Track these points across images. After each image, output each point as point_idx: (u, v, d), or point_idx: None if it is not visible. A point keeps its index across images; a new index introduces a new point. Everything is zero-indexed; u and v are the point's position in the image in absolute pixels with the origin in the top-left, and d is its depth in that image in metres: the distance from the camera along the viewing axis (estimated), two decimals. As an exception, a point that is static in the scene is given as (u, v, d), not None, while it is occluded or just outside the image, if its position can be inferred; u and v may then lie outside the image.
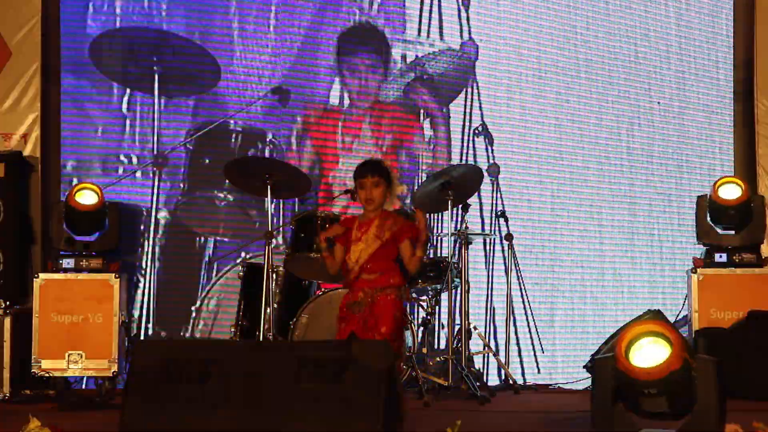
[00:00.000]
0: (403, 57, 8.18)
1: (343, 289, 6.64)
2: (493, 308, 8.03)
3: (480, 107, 8.26)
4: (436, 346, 7.41)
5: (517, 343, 7.88)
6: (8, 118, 7.60)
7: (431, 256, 7.63)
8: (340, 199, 7.29)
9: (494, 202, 8.13)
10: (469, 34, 8.29)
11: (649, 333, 4.18)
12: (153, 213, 7.74)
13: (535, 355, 7.82)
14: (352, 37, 8.08)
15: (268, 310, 6.47)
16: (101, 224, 7.06)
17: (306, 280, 7.01)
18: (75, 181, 7.50)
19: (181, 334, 7.65)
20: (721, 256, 7.04)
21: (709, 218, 7.11)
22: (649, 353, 4.15)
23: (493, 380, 7.59)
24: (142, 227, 7.73)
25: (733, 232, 7.12)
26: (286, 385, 4.19)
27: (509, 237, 7.33)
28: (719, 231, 7.12)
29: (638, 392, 4.17)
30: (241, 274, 7.06)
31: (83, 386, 7.13)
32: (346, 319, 5.44)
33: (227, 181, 7.31)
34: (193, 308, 7.69)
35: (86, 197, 6.95)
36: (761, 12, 8.26)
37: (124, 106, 7.80)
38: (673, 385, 4.12)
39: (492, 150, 8.24)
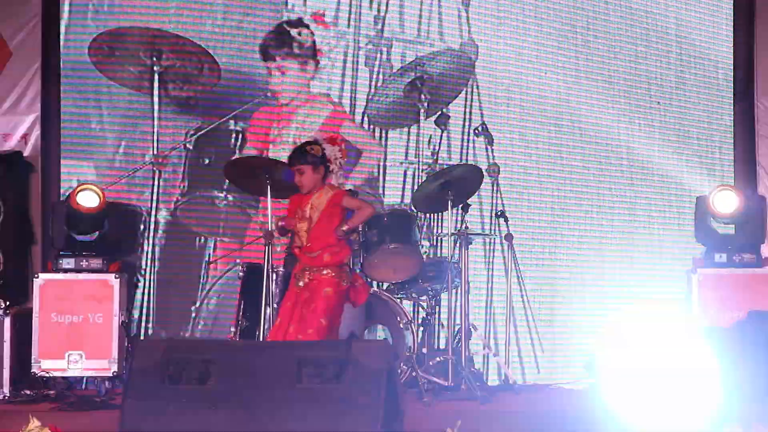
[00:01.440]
0: (403, 57, 8.19)
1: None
2: (493, 308, 8.02)
3: (480, 107, 8.26)
4: (436, 346, 7.41)
5: (517, 343, 7.88)
6: (8, 118, 7.60)
7: (431, 255, 7.62)
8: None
9: (494, 202, 8.12)
10: (469, 34, 8.29)
11: None
12: (153, 213, 7.73)
13: (535, 355, 7.81)
14: (273, 37, 8.03)
15: (268, 310, 6.47)
16: (101, 224, 7.06)
17: (306, 280, 7.00)
18: (75, 181, 7.49)
19: (181, 334, 7.65)
20: (721, 256, 7.03)
21: (710, 220, 7.11)
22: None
23: (493, 380, 7.59)
24: (142, 227, 7.73)
25: (732, 232, 7.13)
26: (286, 385, 4.19)
27: (509, 237, 7.32)
28: (719, 231, 7.12)
29: None
30: (241, 274, 7.05)
31: (83, 386, 7.12)
32: (288, 294, 5.83)
33: (227, 181, 7.31)
34: (193, 308, 7.69)
35: (88, 199, 6.94)
36: (761, 12, 8.26)
37: (124, 106, 7.80)
38: None
39: (492, 150, 8.24)
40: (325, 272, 5.72)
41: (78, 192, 6.95)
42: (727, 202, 6.99)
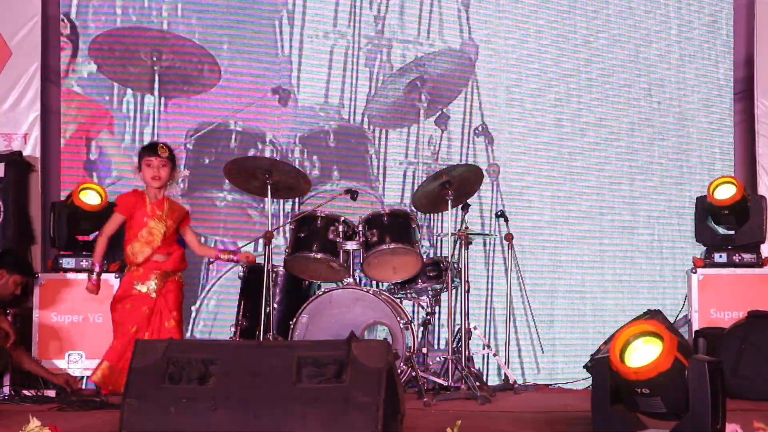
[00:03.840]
0: (403, 57, 8.19)
1: (343, 289, 6.65)
2: (493, 308, 8.03)
3: (480, 107, 8.27)
4: (436, 346, 7.40)
5: (517, 343, 7.88)
6: (8, 118, 7.60)
7: (431, 255, 7.62)
8: (340, 199, 7.29)
9: (494, 202, 8.13)
10: (469, 34, 8.30)
11: (643, 333, 4.18)
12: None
13: (535, 355, 7.82)
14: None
15: (268, 310, 6.47)
16: (101, 224, 7.03)
17: (306, 280, 7.00)
18: (75, 181, 7.48)
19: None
20: (721, 256, 7.03)
21: (710, 220, 7.11)
22: (642, 353, 4.15)
23: (493, 380, 7.59)
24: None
25: (732, 232, 7.12)
26: (286, 385, 4.19)
27: (509, 237, 7.32)
28: (720, 231, 7.12)
29: (632, 392, 4.17)
30: (241, 274, 7.05)
31: (83, 386, 7.12)
32: (132, 299, 6.00)
33: (227, 181, 7.31)
34: (193, 308, 7.69)
35: (91, 197, 6.93)
36: (761, 12, 8.26)
37: (124, 106, 7.81)
38: (664, 385, 4.10)
39: (492, 150, 8.25)
40: (173, 277, 6.11)
41: (80, 191, 6.95)
42: (724, 191, 6.98)
